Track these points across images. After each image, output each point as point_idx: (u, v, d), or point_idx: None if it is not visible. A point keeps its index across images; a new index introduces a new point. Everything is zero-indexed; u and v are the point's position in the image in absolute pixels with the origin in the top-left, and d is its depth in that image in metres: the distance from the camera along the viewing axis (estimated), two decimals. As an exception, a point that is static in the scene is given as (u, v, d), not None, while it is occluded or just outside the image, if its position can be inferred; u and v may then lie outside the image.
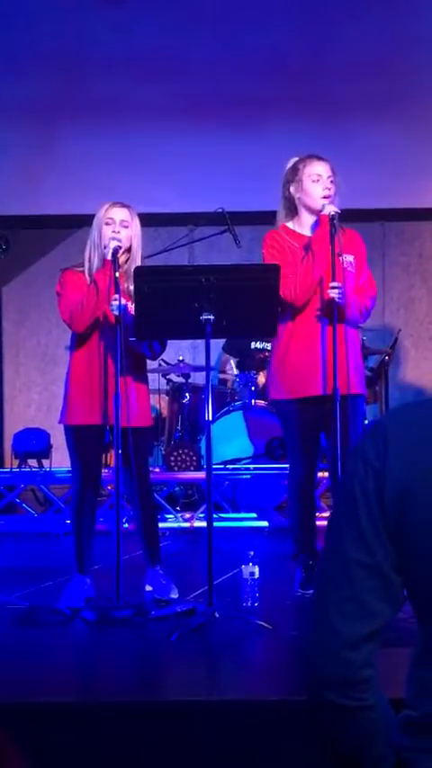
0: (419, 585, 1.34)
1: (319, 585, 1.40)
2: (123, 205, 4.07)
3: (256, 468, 6.26)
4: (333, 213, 3.89)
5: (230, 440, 6.34)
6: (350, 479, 1.36)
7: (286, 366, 4.06)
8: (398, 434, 1.34)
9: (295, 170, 4.05)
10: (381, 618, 1.35)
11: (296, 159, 4.10)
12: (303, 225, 4.10)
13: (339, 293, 3.87)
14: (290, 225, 4.12)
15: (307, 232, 4.07)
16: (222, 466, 6.20)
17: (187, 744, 2.64)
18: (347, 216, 4.06)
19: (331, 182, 4.02)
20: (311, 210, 4.04)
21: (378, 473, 1.33)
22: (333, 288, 3.87)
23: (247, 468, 6.27)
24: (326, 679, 1.36)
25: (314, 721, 1.42)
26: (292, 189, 4.07)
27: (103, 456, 4.21)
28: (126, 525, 4.91)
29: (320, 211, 3.96)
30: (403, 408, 1.39)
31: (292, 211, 4.12)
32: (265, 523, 6.02)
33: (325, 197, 3.97)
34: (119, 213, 4.03)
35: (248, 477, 6.22)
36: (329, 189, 3.99)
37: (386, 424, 1.36)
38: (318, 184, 4.00)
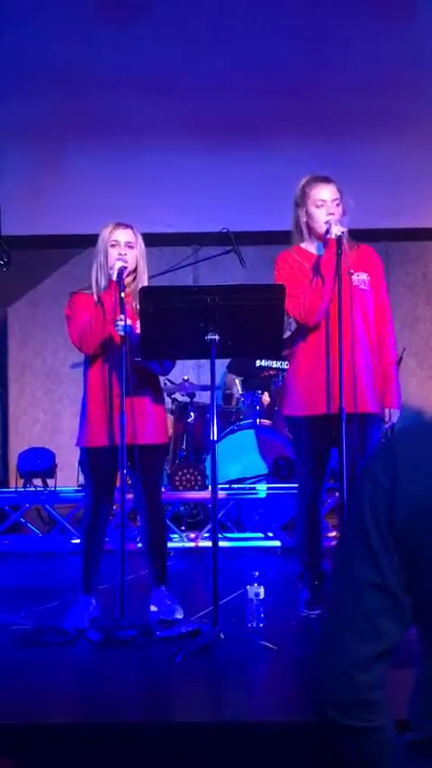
0: (427, 606, 1.34)
1: (330, 605, 1.40)
2: (126, 226, 4.09)
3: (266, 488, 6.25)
4: (339, 234, 3.90)
5: (237, 458, 6.34)
6: (359, 500, 1.36)
7: (298, 383, 4.09)
8: (407, 455, 1.34)
9: (303, 194, 4.06)
10: (391, 639, 1.34)
11: (304, 181, 4.11)
12: (316, 247, 4.12)
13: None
14: (303, 245, 4.15)
15: (318, 252, 4.09)
16: (228, 485, 6.20)
17: (192, 765, 2.62)
18: (352, 235, 4.07)
19: (337, 204, 4.03)
20: (318, 234, 4.05)
21: (388, 493, 1.32)
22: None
23: (253, 488, 6.26)
24: (334, 699, 1.35)
25: (322, 740, 1.41)
26: (300, 213, 4.09)
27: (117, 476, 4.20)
28: (140, 545, 4.91)
29: (326, 234, 3.97)
30: (412, 429, 1.39)
31: (303, 233, 4.14)
32: (270, 543, 6.02)
33: (328, 221, 3.98)
34: (123, 235, 4.06)
35: (254, 497, 6.21)
36: (333, 213, 4.00)
37: (395, 444, 1.36)
38: (322, 209, 4.01)
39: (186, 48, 7.64)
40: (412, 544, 1.31)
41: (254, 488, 6.25)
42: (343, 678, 1.34)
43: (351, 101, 7.57)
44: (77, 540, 5.69)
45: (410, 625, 1.37)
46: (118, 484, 4.04)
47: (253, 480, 6.32)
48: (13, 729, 2.76)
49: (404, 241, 8.17)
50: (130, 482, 5.16)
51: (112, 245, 4.03)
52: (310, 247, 4.13)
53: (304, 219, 4.08)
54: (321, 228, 4.01)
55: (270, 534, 6.08)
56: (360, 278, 4.06)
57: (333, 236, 3.91)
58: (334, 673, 1.35)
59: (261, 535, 6.13)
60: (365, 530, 1.34)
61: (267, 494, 6.17)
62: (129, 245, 4.05)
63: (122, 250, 4.02)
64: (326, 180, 4.07)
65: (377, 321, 4.12)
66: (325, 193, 4.02)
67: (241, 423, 6.60)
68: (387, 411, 4.13)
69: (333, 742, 1.39)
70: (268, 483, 6.28)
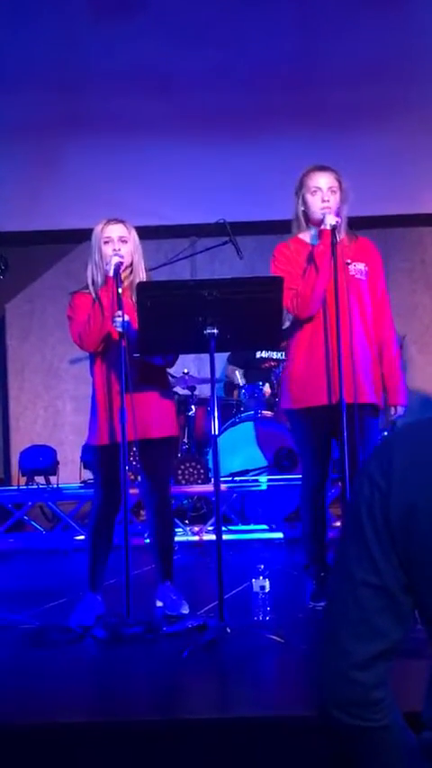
0: (429, 604, 1.32)
1: (328, 606, 1.38)
2: (118, 221, 4.06)
3: (268, 480, 6.23)
4: (332, 224, 3.88)
5: (238, 451, 6.32)
6: (356, 499, 1.34)
7: (294, 376, 4.07)
8: (404, 453, 1.32)
9: (301, 183, 4.05)
10: (391, 638, 1.33)
11: (305, 170, 4.09)
12: (311, 236, 4.10)
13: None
14: (301, 236, 4.13)
15: (314, 242, 4.07)
16: (230, 478, 6.18)
17: (199, 762, 2.61)
18: (349, 223, 4.06)
19: (333, 191, 4.00)
20: (315, 222, 4.03)
21: (383, 492, 1.31)
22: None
23: (256, 481, 6.24)
24: (336, 700, 1.33)
25: (332, 742, 1.39)
26: (298, 202, 4.07)
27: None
28: (148, 541, 4.89)
29: (321, 223, 3.95)
30: (411, 427, 1.37)
31: (301, 222, 4.12)
32: (274, 535, 6.01)
33: (323, 209, 3.96)
34: (115, 230, 4.02)
35: (257, 489, 6.20)
36: (328, 200, 3.97)
37: (392, 442, 1.34)
38: (316, 196, 3.99)
39: (181, 41, 7.59)
40: (409, 543, 1.29)
41: (256, 480, 6.24)
42: (343, 678, 1.32)
43: (345, 90, 7.54)
44: (81, 537, 5.68)
45: (412, 624, 1.35)
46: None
47: (255, 472, 6.30)
48: (20, 728, 2.75)
49: (401, 227, 8.14)
50: (134, 478, 5.16)
51: (106, 242, 4.00)
52: (307, 237, 4.10)
53: (302, 208, 4.06)
54: (316, 215, 3.99)
55: (273, 526, 6.07)
56: (357, 268, 4.04)
57: (327, 227, 3.89)
58: (334, 672, 1.33)
59: (265, 527, 6.12)
60: (362, 529, 1.32)
61: (269, 486, 6.16)
62: (122, 240, 4.02)
63: (116, 245, 3.99)
64: (323, 168, 4.04)
65: (376, 315, 4.09)
66: (321, 181, 4.00)
67: (241, 415, 6.58)
68: (393, 408, 4.12)
69: (340, 743, 1.37)
70: (270, 474, 6.26)
